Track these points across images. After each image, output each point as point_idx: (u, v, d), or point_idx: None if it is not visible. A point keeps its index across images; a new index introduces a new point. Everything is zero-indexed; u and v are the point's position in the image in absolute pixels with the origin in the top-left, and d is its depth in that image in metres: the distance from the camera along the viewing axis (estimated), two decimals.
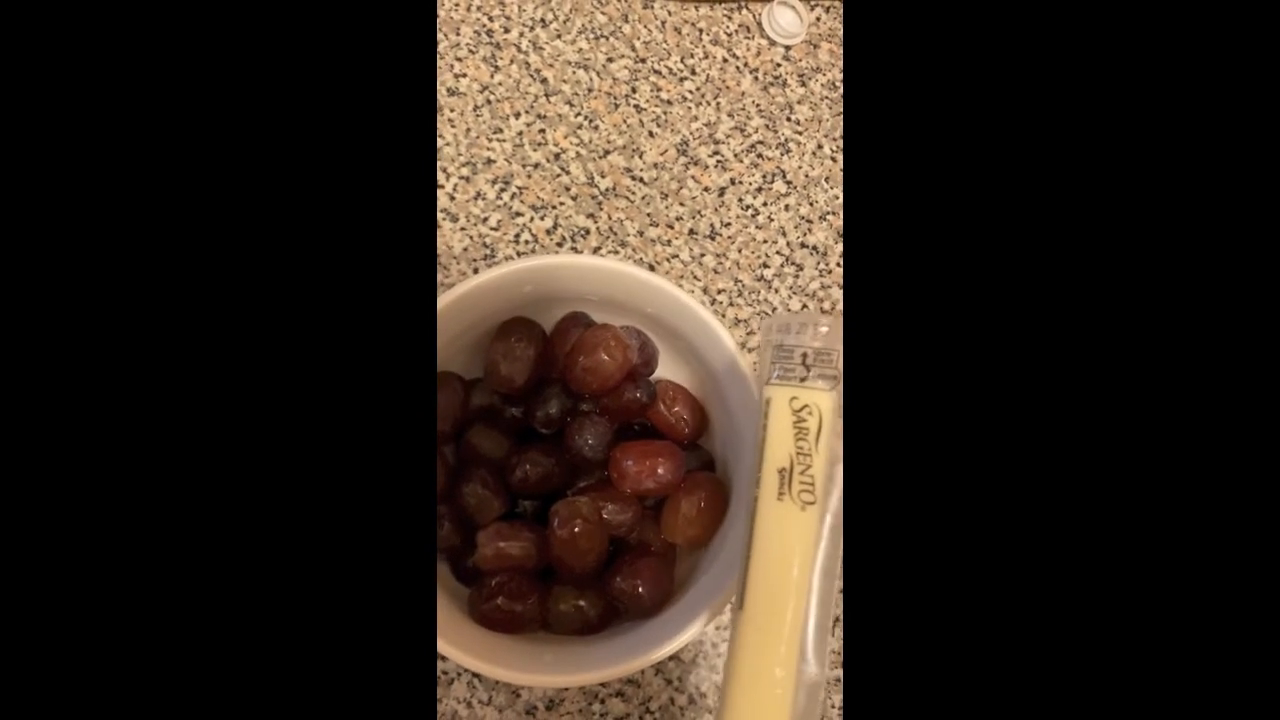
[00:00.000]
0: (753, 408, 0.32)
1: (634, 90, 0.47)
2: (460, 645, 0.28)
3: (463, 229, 0.42)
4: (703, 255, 0.44)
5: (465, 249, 0.42)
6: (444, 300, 0.31)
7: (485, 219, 0.43)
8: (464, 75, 0.45)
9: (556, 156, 0.44)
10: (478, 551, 0.31)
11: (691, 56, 0.48)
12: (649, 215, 0.44)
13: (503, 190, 0.43)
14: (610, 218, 0.44)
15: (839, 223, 0.46)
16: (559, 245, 0.43)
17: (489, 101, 0.45)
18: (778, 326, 0.27)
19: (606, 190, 0.44)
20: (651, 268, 0.44)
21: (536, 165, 0.44)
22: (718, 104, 0.47)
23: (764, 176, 0.46)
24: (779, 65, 0.49)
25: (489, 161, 0.43)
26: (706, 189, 0.45)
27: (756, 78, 0.48)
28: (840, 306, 0.45)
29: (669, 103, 0.47)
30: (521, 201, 0.43)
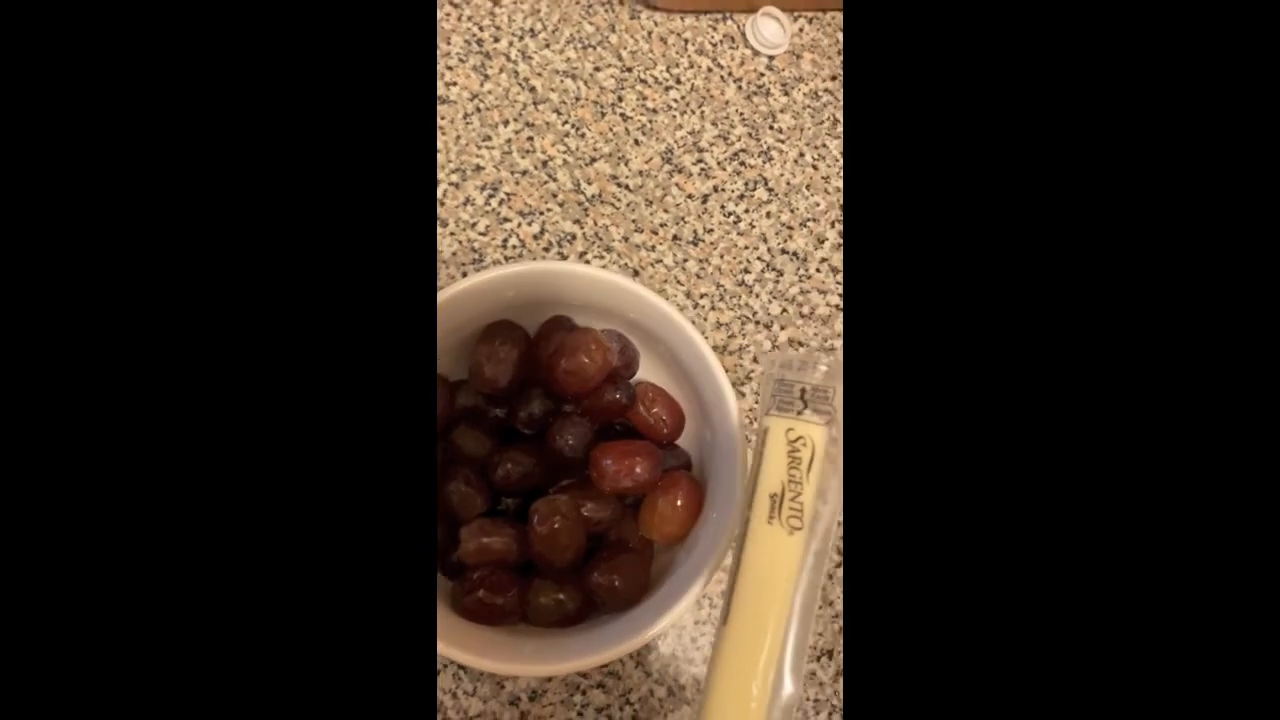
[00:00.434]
0: (725, 411, 0.33)
1: (620, 99, 0.48)
2: (444, 637, 0.30)
3: (452, 234, 0.43)
4: (686, 260, 0.45)
5: (454, 254, 0.43)
6: None
7: (474, 224, 0.44)
8: (454, 84, 0.46)
9: (544, 164, 0.46)
10: (461, 546, 0.32)
11: (677, 66, 0.49)
12: (634, 221, 0.46)
13: (491, 196, 0.44)
14: (596, 224, 0.45)
15: (819, 229, 0.47)
16: (546, 250, 0.44)
17: (478, 109, 0.46)
18: (780, 362, 0.28)
19: (593, 197, 0.46)
20: (636, 273, 0.45)
21: (524, 172, 0.45)
22: (702, 113, 0.49)
23: (746, 184, 0.48)
24: (762, 75, 0.50)
25: (478, 168, 0.45)
26: (690, 196, 0.47)
27: (740, 87, 0.50)
28: (819, 312, 0.46)
29: (654, 111, 0.48)
30: (509, 207, 0.44)
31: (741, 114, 0.49)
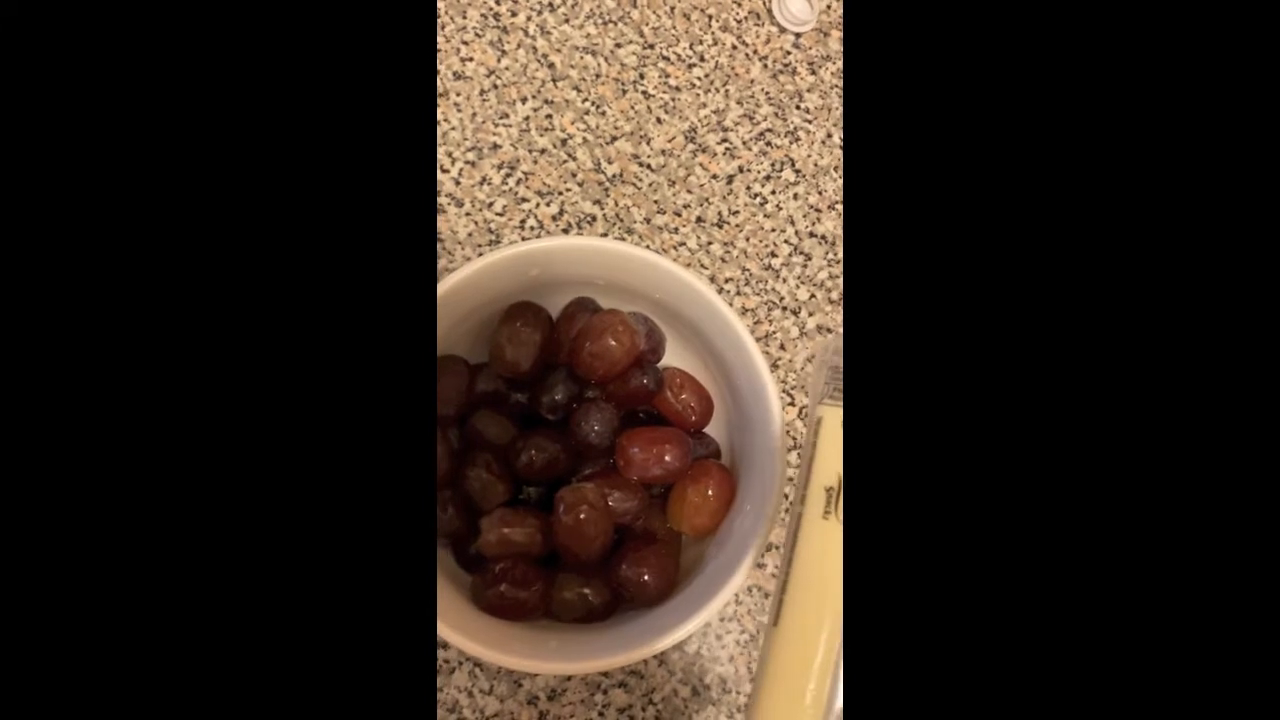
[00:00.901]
0: (762, 397, 0.32)
1: (642, 76, 0.46)
2: (464, 631, 0.28)
3: (468, 214, 0.42)
4: (710, 243, 0.44)
5: (470, 234, 0.42)
6: (449, 283, 0.30)
7: (490, 204, 0.42)
8: (470, 59, 0.44)
9: (563, 142, 0.44)
10: (481, 537, 0.31)
11: (700, 43, 0.47)
12: (656, 202, 0.44)
13: (508, 175, 0.43)
14: (617, 204, 0.43)
15: None
16: (565, 231, 0.43)
17: (495, 86, 0.44)
18: (834, 348, 0.27)
19: (613, 177, 0.44)
20: None
21: (543, 151, 0.43)
22: (726, 91, 0.47)
23: (773, 165, 0.46)
24: (789, 53, 0.48)
25: (495, 146, 0.43)
26: (714, 176, 0.45)
27: (766, 65, 0.48)
28: None
29: (677, 89, 0.46)
30: (527, 187, 0.43)
31: (767, 93, 0.47)
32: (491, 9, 0.45)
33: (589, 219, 0.43)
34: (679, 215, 0.44)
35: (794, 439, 0.41)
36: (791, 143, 0.46)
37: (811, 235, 0.45)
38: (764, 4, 0.49)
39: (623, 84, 0.46)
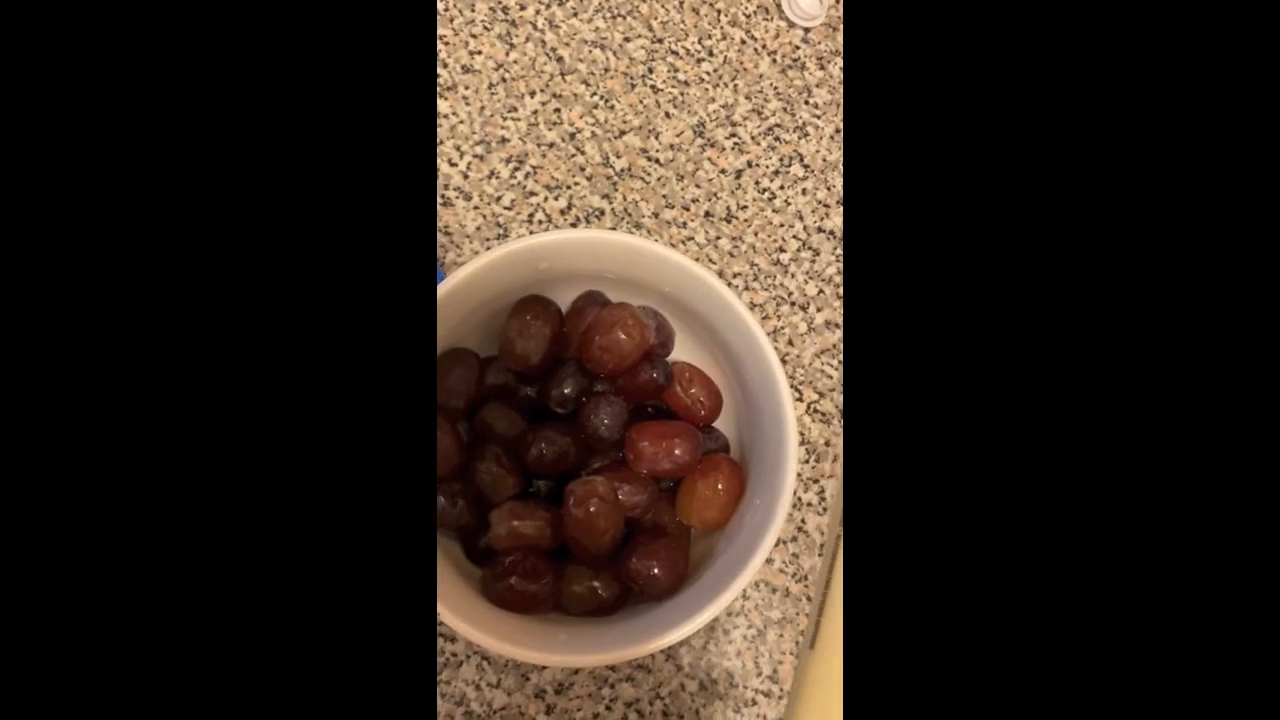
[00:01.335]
0: (773, 391, 0.32)
1: (651, 70, 0.46)
2: (473, 623, 0.28)
3: (476, 208, 0.42)
4: (718, 238, 0.44)
5: (478, 228, 0.41)
6: (457, 276, 0.30)
7: (499, 198, 0.42)
8: (478, 53, 0.44)
9: (572, 136, 0.44)
10: (491, 530, 0.31)
11: (709, 38, 0.47)
12: (664, 197, 0.44)
13: (517, 169, 0.43)
14: (625, 199, 0.43)
15: None
16: (573, 225, 0.42)
17: (504, 79, 0.44)
18: None
19: (622, 171, 0.44)
20: None
21: (551, 145, 0.43)
22: (735, 86, 0.47)
23: (781, 160, 0.46)
24: (798, 48, 0.48)
25: (503, 140, 0.43)
26: (723, 171, 0.45)
27: (775, 60, 0.48)
28: None
29: (686, 84, 0.46)
30: (536, 181, 0.43)
31: (776, 88, 0.47)
32: (500, 2, 0.45)
33: (597, 213, 0.43)
34: (687, 210, 0.44)
35: (803, 434, 0.41)
36: (800, 138, 0.46)
37: (820, 230, 0.45)
38: None
39: (631, 78, 0.45)
